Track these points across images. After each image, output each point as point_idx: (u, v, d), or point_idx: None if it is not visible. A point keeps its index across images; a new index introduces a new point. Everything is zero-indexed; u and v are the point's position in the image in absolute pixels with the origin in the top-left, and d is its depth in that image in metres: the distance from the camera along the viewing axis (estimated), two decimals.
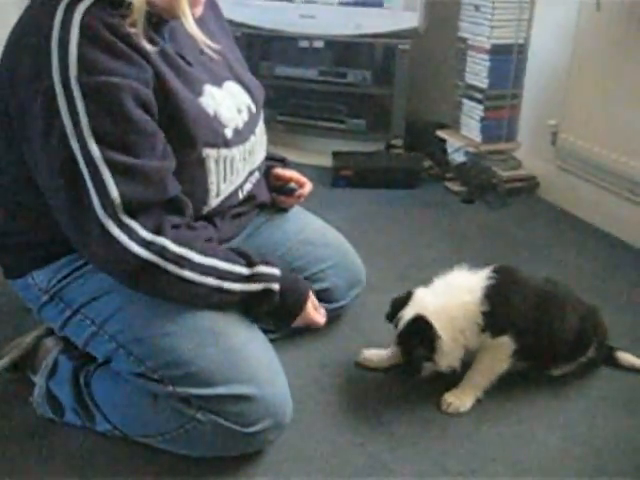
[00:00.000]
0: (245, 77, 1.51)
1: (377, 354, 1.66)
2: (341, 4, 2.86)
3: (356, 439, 1.43)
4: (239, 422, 1.27)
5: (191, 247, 1.24)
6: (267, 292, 1.34)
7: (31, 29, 1.17)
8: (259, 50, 2.99)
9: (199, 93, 1.33)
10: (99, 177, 1.14)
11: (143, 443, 1.36)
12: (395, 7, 2.79)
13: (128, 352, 1.30)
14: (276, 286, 1.35)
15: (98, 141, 1.13)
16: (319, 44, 3.00)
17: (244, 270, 1.32)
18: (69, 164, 1.14)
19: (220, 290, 1.28)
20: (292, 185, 1.71)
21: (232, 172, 1.41)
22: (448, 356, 1.47)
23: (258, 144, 1.52)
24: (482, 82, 2.75)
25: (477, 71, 2.77)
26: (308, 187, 1.73)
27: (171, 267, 1.22)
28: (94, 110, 1.12)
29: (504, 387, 1.56)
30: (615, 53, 2.28)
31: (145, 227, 1.19)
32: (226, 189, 1.40)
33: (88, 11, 1.13)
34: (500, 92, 2.76)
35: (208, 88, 1.36)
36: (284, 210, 1.73)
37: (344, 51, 3.01)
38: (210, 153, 1.33)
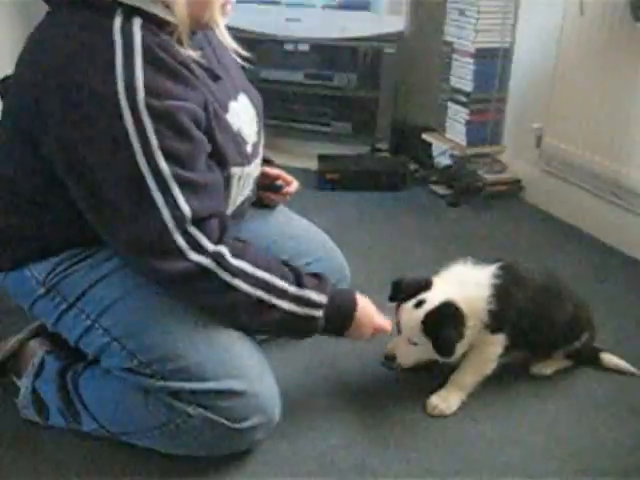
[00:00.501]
0: (248, 87, 1.52)
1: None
2: (326, 7, 2.87)
3: (342, 442, 1.44)
4: (229, 417, 1.28)
5: (245, 258, 1.28)
6: (309, 318, 1.35)
7: (83, 51, 1.15)
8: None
9: (226, 110, 1.34)
10: (169, 192, 1.18)
11: (129, 444, 1.36)
12: (381, 11, 2.80)
13: (121, 346, 1.30)
14: (319, 313, 1.36)
15: (167, 159, 1.17)
16: (305, 47, 3.00)
17: (293, 289, 1.33)
18: (137, 180, 1.17)
19: (267, 304, 1.30)
20: (279, 183, 1.72)
21: (247, 185, 1.44)
22: (462, 347, 1.48)
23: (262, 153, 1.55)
24: (467, 86, 2.76)
25: (462, 75, 2.78)
26: (294, 185, 1.74)
27: (225, 276, 1.25)
28: (162, 131, 1.16)
29: (488, 388, 1.57)
30: (599, 57, 2.30)
31: (209, 238, 1.24)
32: (238, 200, 1.43)
33: (144, 31, 1.16)
34: (485, 96, 2.78)
35: (232, 105, 1.37)
36: (270, 207, 1.74)
37: (330, 54, 3.02)
38: (236, 172, 1.35)
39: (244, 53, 1.42)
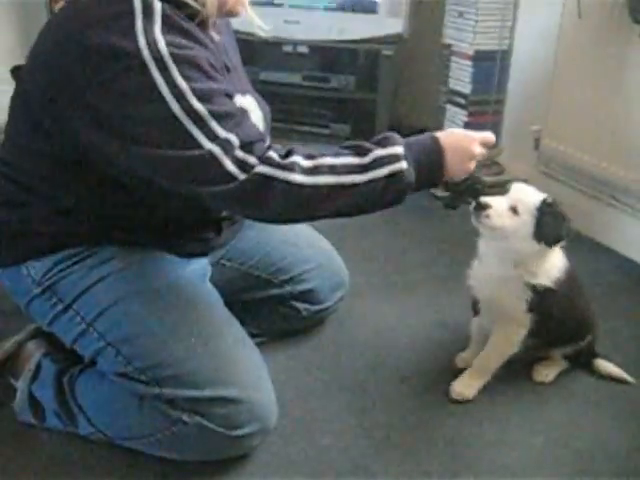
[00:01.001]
0: (255, 93, 1.53)
1: (472, 354, 1.66)
2: (325, 9, 2.87)
3: (339, 443, 1.43)
4: (225, 425, 1.27)
5: (296, 154, 1.22)
6: (395, 174, 1.24)
7: (103, 17, 1.17)
8: (243, 55, 3.00)
9: (232, 98, 1.35)
10: (208, 128, 1.16)
11: (126, 447, 1.36)
12: (379, 13, 2.81)
13: (116, 351, 1.30)
14: (403, 164, 1.25)
15: (198, 99, 1.16)
16: (303, 49, 3.01)
17: (358, 160, 1.24)
18: (174, 125, 1.16)
19: (341, 187, 1.21)
20: None
21: None
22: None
23: None
24: (465, 88, 2.77)
25: (460, 77, 2.79)
26: None
27: (282, 174, 1.18)
28: (187, 74, 1.16)
29: (487, 390, 1.57)
30: (597, 60, 2.30)
31: (258, 157, 1.19)
32: None
33: (164, 5, 1.19)
34: (483, 98, 2.78)
35: (238, 97, 1.38)
36: None
37: (328, 56, 3.02)
38: None
39: (266, 27, 1.47)
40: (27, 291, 1.36)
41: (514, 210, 1.47)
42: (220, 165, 1.16)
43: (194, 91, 1.16)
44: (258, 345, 1.44)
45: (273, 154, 1.20)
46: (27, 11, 3.17)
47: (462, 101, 2.80)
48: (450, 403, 1.55)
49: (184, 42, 1.19)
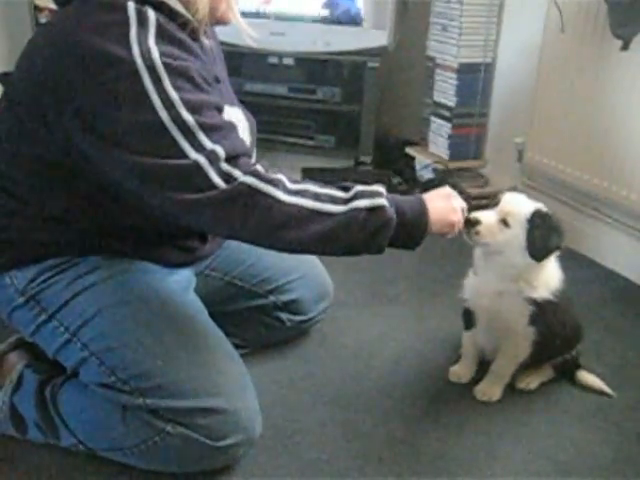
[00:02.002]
0: (242, 106, 1.54)
1: (465, 367, 1.68)
2: (311, 22, 2.88)
3: (323, 455, 1.43)
4: (208, 435, 1.27)
5: (282, 175, 1.24)
6: (376, 209, 1.26)
7: (98, 26, 1.18)
8: (229, 66, 3.00)
9: (221, 110, 1.35)
10: (196, 139, 1.17)
11: (108, 459, 1.34)
12: (365, 25, 2.82)
13: (100, 361, 1.29)
14: (384, 201, 1.26)
15: (188, 109, 1.17)
16: (289, 61, 3.01)
17: (341, 193, 1.27)
18: (163, 134, 1.16)
19: (320, 213, 1.22)
20: None
21: None
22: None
23: None
24: (450, 100, 2.79)
25: (445, 89, 2.81)
26: None
27: (266, 187, 1.19)
28: (179, 84, 1.18)
29: (470, 402, 1.58)
30: (579, 73, 2.32)
31: (243, 171, 1.20)
32: None
33: (157, 15, 1.21)
34: (467, 110, 2.80)
35: (227, 108, 1.38)
36: None
37: (314, 68, 3.03)
38: None
39: (255, 35, 1.46)
40: (10, 300, 1.35)
41: (505, 223, 1.46)
42: (205, 175, 1.17)
43: (184, 101, 1.17)
44: (242, 356, 1.44)
45: (260, 168, 1.21)
46: (12, 19, 3.16)
47: (447, 113, 2.82)
48: (434, 415, 1.56)
49: (177, 52, 1.20)
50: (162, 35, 1.19)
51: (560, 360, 1.65)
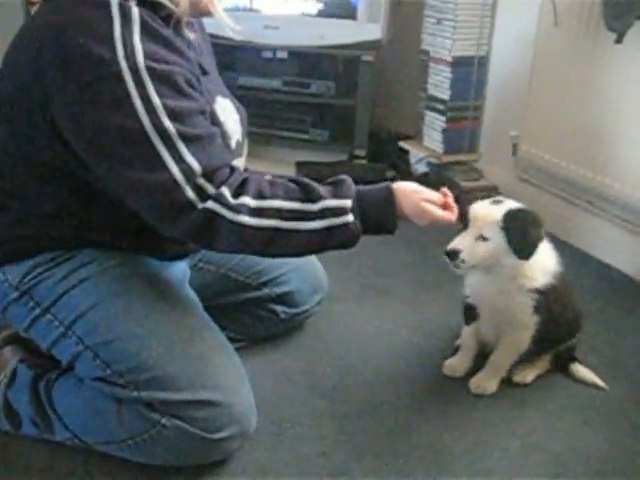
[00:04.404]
0: (231, 96, 1.53)
1: (461, 361, 1.68)
2: (305, 15, 2.87)
3: (319, 448, 1.43)
4: (204, 428, 1.27)
5: (247, 194, 1.23)
6: (340, 227, 1.28)
7: (81, 23, 1.17)
8: (223, 60, 2.99)
9: (212, 101, 1.36)
10: (175, 149, 1.18)
11: (103, 452, 1.34)
12: (359, 19, 2.82)
13: (94, 355, 1.29)
14: (349, 218, 1.28)
15: (169, 117, 1.17)
16: (283, 55, 3.00)
17: (307, 206, 1.27)
18: (143, 140, 1.17)
19: (286, 231, 1.25)
20: None
21: None
22: None
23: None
24: (444, 94, 2.78)
25: (439, 83, 2.80)
26: None
27: (230, 215, 1.21)
28: (162, 91, 1.17)
29: (466, 395, 1.58)
30: (573, 66, 2.32)
31: (217, 187, 1.21)
32: None
33: (140, 9, 1.19)
34: (462, 104, 2.79)
35: (218, 99, 1.39)
36: None
37: (308, 62, 3.02)
38: None
39: (237, 27, 1.44)
40: (4, 295, 1.35)
41: (482, 238, 1.47)
42: (181, 192, 1.18)
43: (166, 108, 1.17)
44: (237, 350, 1.44)
45: (226, 192, 1.21)
46: (3, 15, 3.14)
47: (441, 107, 2.82)
48: (429, 408, 1.56)
49: (162, 53, 1.19)
50: (147, 32, 1.18)
51: (561, 348, 1.65)
